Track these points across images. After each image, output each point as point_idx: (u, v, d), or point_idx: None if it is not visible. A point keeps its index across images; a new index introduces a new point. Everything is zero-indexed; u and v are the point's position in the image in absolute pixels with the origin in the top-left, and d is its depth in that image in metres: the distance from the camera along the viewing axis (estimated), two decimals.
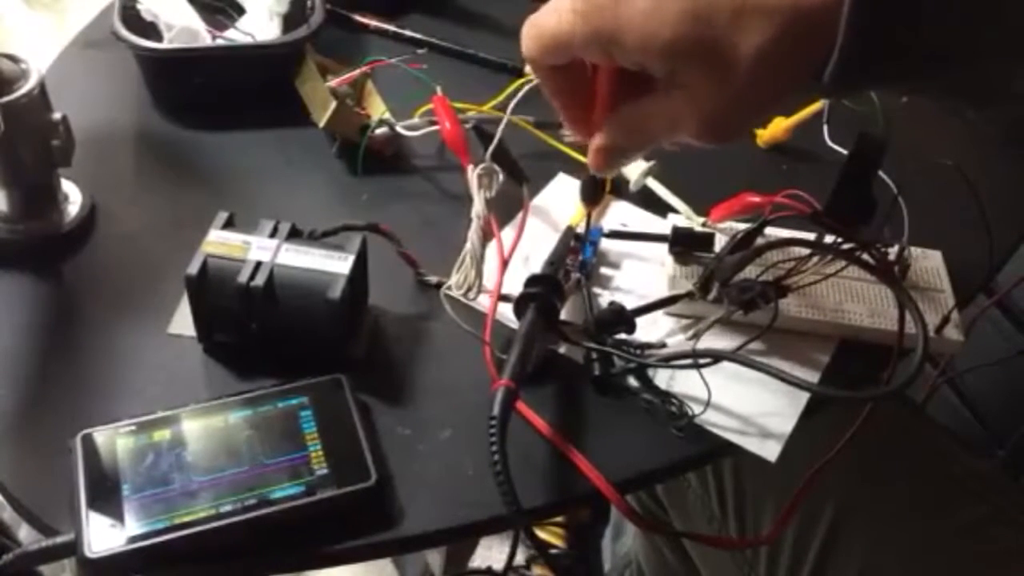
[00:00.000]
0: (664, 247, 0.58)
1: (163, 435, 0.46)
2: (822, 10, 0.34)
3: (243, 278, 0.49)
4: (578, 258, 0.58)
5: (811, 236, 0.52)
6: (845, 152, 0.57)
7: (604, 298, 0.57)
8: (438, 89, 0.66)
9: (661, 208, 0.64)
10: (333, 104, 0.63)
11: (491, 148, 0.60)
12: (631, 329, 0.53)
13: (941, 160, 0.57)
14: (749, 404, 0.52)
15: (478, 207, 0.58)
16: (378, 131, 0.65)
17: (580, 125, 0.44)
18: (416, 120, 0.67)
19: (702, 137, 0.38)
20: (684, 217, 0.63)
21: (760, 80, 0.36)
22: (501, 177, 0.60)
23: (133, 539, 0.42)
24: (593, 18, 0.37)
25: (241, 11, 0.75)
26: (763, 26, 0.34)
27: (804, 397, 0.52)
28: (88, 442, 0.45)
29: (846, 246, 0.49)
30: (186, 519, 0.43)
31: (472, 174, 0.59)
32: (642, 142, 0.42)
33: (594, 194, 0.55)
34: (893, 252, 0.58)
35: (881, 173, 0.57)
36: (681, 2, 0.35)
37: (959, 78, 0.36)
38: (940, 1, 0.33)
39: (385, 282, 0.56)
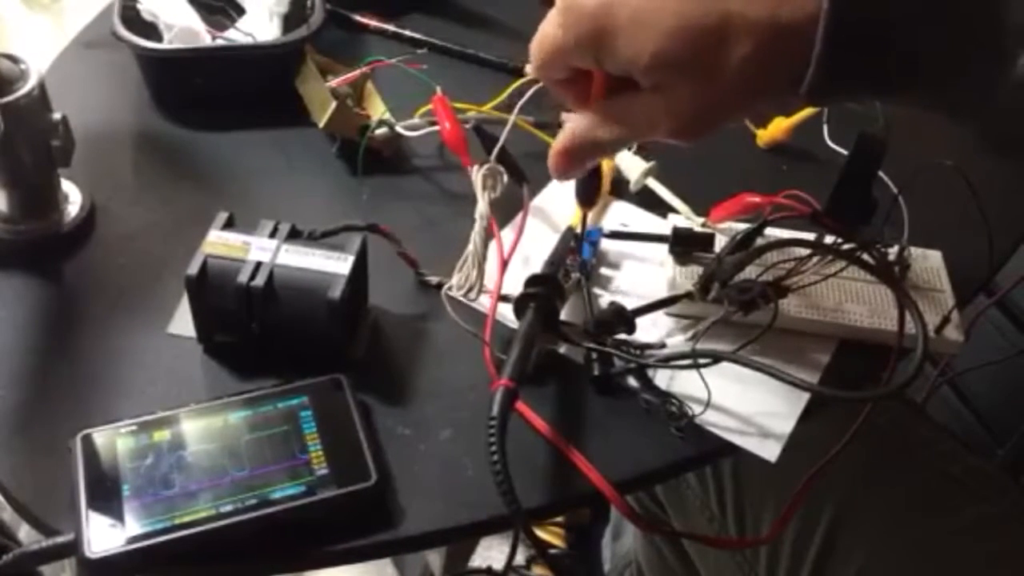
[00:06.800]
0: (664, 247, 0.58)
1: (163, 435, 0.46)
2: (800, 24, 0.35)
3: (243, 278, 0.49)
4: (578, 258, 0.58)
5: (811, 236, 0.52)
6: (845, 152, 0.58)
7: (604, 298, 0.57)
8: (438, 89, 0.66)
9: (661, 208, 0.64)
10: (333, 104, 0.63)
11: (496, 149, 0.60)
12: (631, 329, 0.53)
13: (941, 160, 0.57)
14: (749, 404, 0.52)
15: (482, 208, 0.58)
16: (378, 131, 0.65)
17: None
18: (416, 120, 0.67)
19: (675, 136, 0.40)
20: (684, 217, 0.63)
21: (739, 90, 0.37)
22: (506, 178, 0.60)
23: (133, 539, 0.42)
24: (577, 28, 0.39)
25: (241, 11, 0.75)
26: (745, 41, 0.36)
27: (804, 397, 0.52)
28: (88, 442, 0.45)
29: (846, 246, 0.49)
30: (186, 519, 0.43)
31: (476, 175, 0.59)
32: (618, 134, 0.43)
33: (589, 195, 0.55)
34: (893, 252, 0.58)
35: (881, 173, 0.57)
36: (666, 18, 0.36)
37: (935, 90, 0.37)
38: (914, 15, 0.34)
39: (385, 282, 0.56)
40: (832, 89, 0.36)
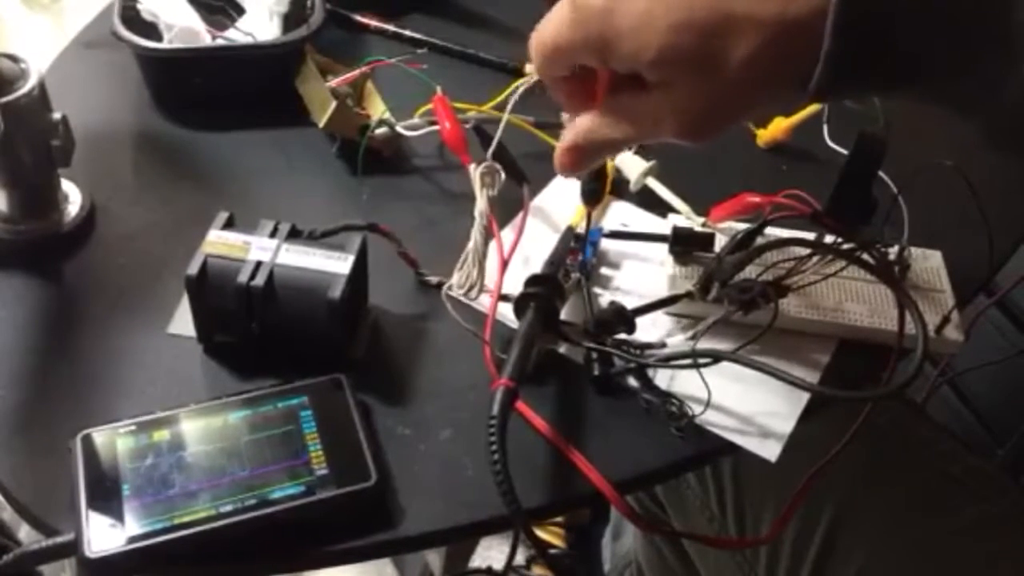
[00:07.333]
0: (664, 247, 0.58)
1: (163, 435, 0.46)
2: (808, 20, 0.35)
3: (243, 278, 0.49)
4: (578, 258, 0.58)
5: (811, 236, 0.52)
6: (845, 152, 0.57)
7: (604, 298, 0.57)
8: (438, 89, 0.66)
9: (661, 208, 0.64)
10: (333, 104, 0.63)
11: (492, 148, 0.60)
12: (631, 329, 0.53)
13: (941, 160, 0.57)
14: (749, 404, 0.52)
15: (481, 206, 0.58)
16: (378, 131, 0.65)
17: None
18: (416, 120, 0.67)
19: (681, 136, 0.39)
20: (684, 217, 0.63)
21: (745, 87, 0.37)
22: (503, 176, 0.60)
23: (133, 539, 0.42)
24: (585, 26, 0.39)
25: (241, 11, 0.75)
26: (751, 37, 0.35)
27: (804, 397, 0.52)
28: (88, 442, 0.45)
29: (846, 246, 0.49)
30: (186, 519, 0.43)
31: (475, 173, 0.59)
32: (625, 132, 0.42)
33: (594, 194, 0.55)
34: (893, 252, 0.58)
35: (881, 173, 0.57)
36: (672, 14, 0.36)
37: (941, 86, 0.37)
38: (922, 11, 0.34)
39: (385, 282, 0.56)
40: (840, 86, 0.36)
